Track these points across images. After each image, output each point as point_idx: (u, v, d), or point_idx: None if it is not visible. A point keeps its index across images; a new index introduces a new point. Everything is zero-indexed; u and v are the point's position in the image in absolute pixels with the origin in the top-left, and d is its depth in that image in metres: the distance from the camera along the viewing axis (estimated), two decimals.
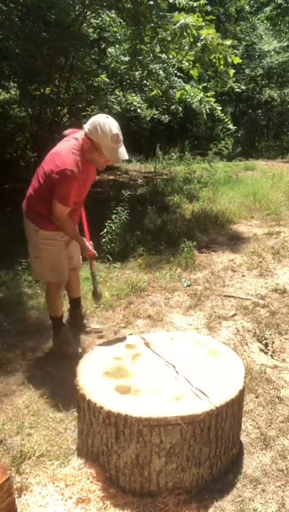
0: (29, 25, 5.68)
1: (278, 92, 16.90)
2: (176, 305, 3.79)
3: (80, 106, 7.57)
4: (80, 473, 1.92)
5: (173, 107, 7.91)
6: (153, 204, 6.63)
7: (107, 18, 6.72)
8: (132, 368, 2.17)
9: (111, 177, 9.83)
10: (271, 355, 3.04)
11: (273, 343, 3.17)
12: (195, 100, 7.82)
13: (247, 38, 16.63)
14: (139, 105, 7.68)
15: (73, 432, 2.25)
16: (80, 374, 2.09)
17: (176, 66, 7.29)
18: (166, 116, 8.37)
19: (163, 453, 1.84)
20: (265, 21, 17.29)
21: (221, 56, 5.21)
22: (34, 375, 2.76)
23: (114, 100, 7.16)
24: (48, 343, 3.10)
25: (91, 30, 6.84)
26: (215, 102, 7.88)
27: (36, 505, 1.78)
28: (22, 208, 2.82)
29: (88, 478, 1.89)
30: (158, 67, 6.86)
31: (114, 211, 5.01)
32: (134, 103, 7.63)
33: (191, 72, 6.26)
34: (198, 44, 4.97)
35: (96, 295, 3.23)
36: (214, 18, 5.15)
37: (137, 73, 7.12)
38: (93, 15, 6.58)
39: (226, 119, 8.34)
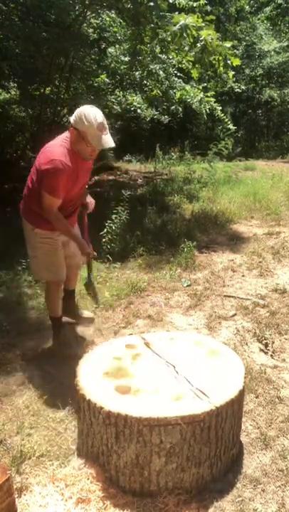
0: (29, 25, 5.68)
1: (278, 92, 16.90)
2: (176, 305, 3.79)
3: (80, 106, 7.56)
4: (80, 473, 1.92)
5: (173, 107, 7.92)
6: (153, 204, 6.62)
7: (107, 18, 6.73)
8: (132, 368, 2.17)
9: (111, 177, 9.82)
10: (271, 355, 3.04)
11: (273, 343, 3.17)
12: (195, 100, 7.83)
13: (247, 38, 16.63)
14: (139, 105, 7.68)
15: (73, 432, 2.25)
16: (80, 374, 2.09)
17: (176, 66, 7.29)
18: (166, 116, 8.37)
19: (163, 453, 1.84)
20: (265, 21, 17.29)
21: (220, 58, 5.22)
22: (34, 375, 2.76)
23: (114, 100, 7.17)
24: (48, 343, 3.09)
25: (91, 30, 6.84)
26: (215, 102, 7.88)
27: (36, 505, 1.78)
28: (20, 208, 2.82)
29: (88, 479, 1.89)
30: (158, 68, 6.86)
31: (114, 211, 5.00)
32: (134, 103, 7.64)
33: (192, 71, 6.26)
34: (198, 45, 4.97)
35: (95, 298, 3.22)
36: (214, 18, 5.15)
37: (137, 73, 7.12)
38: (93, 15, 6.59)
39: (226, 119, 8.35)
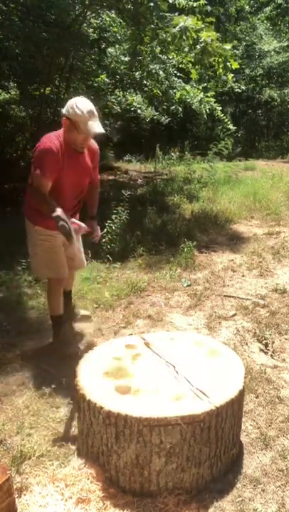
0: (29, 25, 5.69)
1: (278, 92, 16.92)
2: (176, 305, 3.79)
3: None
4: (80, 473, 1.92)
5: (173, 107, 7.92)
6: (153, 204, 6.62)
7: (107, 18, 6.73)
8: (132, 368, 2.17)
9: (111, 177, 9.83)
10: (271, 355, 3.04)
11: (273, 343, 3.17)
12: (195, 100, 7.84)
13: (247, 38, 16.65)
14: (139, 106, 7.68)
15: (73, 432, 2.25)
16: (80, 374, 2.09)
17: (176, 66, 7.30)
18: (165, 117, 8.37)
19: (163, 453, 1.84)
20: (265, 21, 17.30)
21: (220, 60, 5.23)
22: (34, 375, 2.76)
23: (114, 100, 7.17)
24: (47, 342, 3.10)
25: (91, 30, 6.85)
26: (215, 102, 7.89)
27: (36, 505, 1.78)
28: (23, 207, 2.87)
29: (88, 479, 1.89)
30: (158, 68, 6.87)
31: (114, 211, 5.01)
32: (134, 103, 7.64)
33: (191, 71, 6.27)
34: (198, 46, 4.99)
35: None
36: (214, 20, 5.16)
37: (137, 73, 7.13)
38: (93, 15, 6.59)
39: (226, 119, 8.36)
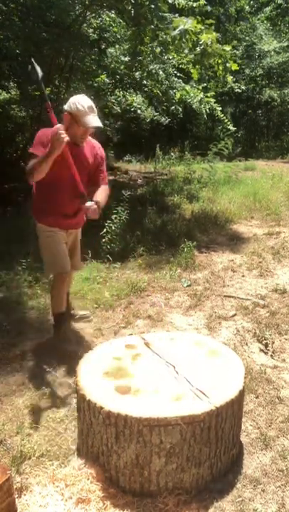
0: (29, 25, 5.68)
1: (278, 92, 16.92)
2: (176, 305, 3.79)
3: None
4: (80, 473, 1.92)
5: (173, 107, 7.92)
6: (153, 204, 6.62)
7: (107, 19, 6.73)
8: (132, 368, 2.17)
9: (111, 177, 9.82)
10: (271, 356, 3.04)
11: (273, 343, 3.17)
12: (195, 100, 7.83)
13: (247, 38, 16.64)
14: (139, 106, 7.68)
15: (73, 432, 2.25)
16: (80, 374, 2.09)
17: (176, 66, 7.30)
18: (166, 117, 8.37)
19: (163, 453, 1.84)
20: (265, 21, 17.29)
21: (220, 61, 5.25)
22: (34, 375, 2.76)
23: (114, 100, 7.17)
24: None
25: (91, 30, 6.84)
26: (215, 103, 7.89)
27: (36, 505, 1.78)
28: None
29: (88, 479, 1.89)
30: (158, 68, 6.87)
31: (114, 211, 5.00)
32: (134, 104, 7.63)
33: (192, 71, 6.27)
34: (198, 49, 5.01)
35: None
36: (214, 22, 5.17)
37: (137, 73, 7.13)
38: (93, 15, 6.59)
39: (226, 120, 8.35)
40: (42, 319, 3.44)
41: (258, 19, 17.34)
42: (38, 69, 2.68)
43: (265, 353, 3.06)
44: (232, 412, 1.98)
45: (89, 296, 3.80)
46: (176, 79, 7.60)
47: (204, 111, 7.96)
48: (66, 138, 2.53)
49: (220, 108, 7.84)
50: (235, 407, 2.00)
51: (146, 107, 8.41)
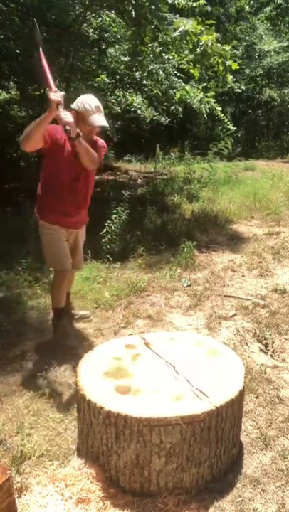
0: (29, 25, 5.68)
1: (278, 92, 16.92)
2: (176, 305, 3.79)
3: None
4: (80, 473, 1.92)
5: (173, 107, 7.91)
6: (153, 204, 6.62)
7: (107, 19, 6.73)
8: (132, 368, 2.17)
9: (111, 177, 9.84)
10: (271, 355, 3.04)
11: (273, 343, 3.17)
12: (195, 100, 7.83)
13: (247, 38, 16.64)
14: (139, 106, 7.67)
15: (73, 432, 2.25)
16: (80, 374, 2.09)
17: (176, 66, 7.29)
18: (166, 117, 8.36)
19: (163, 453, 1.84)
20: (265, 21, 17.29)
21: (220, 61, 5.26)
22: (34, 375, 2.76)
23: (114, 100, 7.17)
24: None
25: (91, 30, 6.84)
26: (215, 102, 7.88)
27: (36, 505, 1.78)
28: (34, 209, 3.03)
29: (88, 479, 1.89)
30: (158, 67, 6.86)
31: (114, 211, 5.01)
32: (134, 104, 7.62)
33: (192, 71, 6.27)
34: (198, 50, 5.02)
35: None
36: (214, 22, 5.17)
37: (137, 73, 7.12)
38: (93, 15, 6.59)
39: (226, 119, 8.35)
40: (42, 319, 3.44)
41: (258, 19, 17.34)
42: (38, 33, 2.80)
43: (265, 353, 3.06)
44: (232, 411, 1.98)
45: (89, 296, 3.80)
46: (176, 79, 7.60)
47: (204, 111, 7.96)
48: (61, 96, 2.60)
49: (220, 108, 7.84)
50: (235, 406, 2.00)
51: (146, 107, 8.41)
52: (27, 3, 5.63)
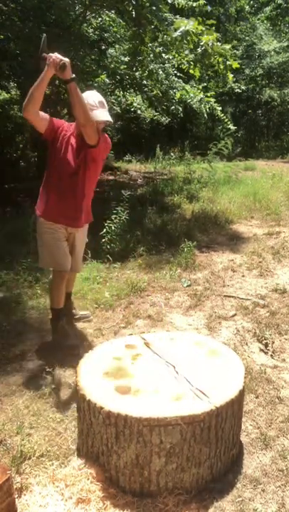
0: (29, 25, 5.68)
1: (278, 92, 16.93)
2: (176, 305, 3.79)
3: None
4: (80, 473, 1.92)
5: (173, 107, 7.92)
6: (153, 204, 6.63)
7: (107, 19, 6.73)
8: (132, 368, 2.17)
9: (111, 177, 9.84)
10: (271, 355, 3.04)
11: (273, 343, 3.17)
12: (195, 100, 7.83)
13: (247, 38, 16.66)
14: (139, 106, 7.67)
15: (73, 432, 2.25)
16: (80, 374, 2.09)
17: (176, 66, 7.30)
18: (165, 117, 8.35)
19: (163, 453, 1.84)
20: (265, 21, 17.29)
21: (220, 60, 5.26)
22: (34, 375, 2.76)
23: (114, 100, 7.16)
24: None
25: (91, 30, 6.84)
26: (215, 102, 7.89)
27: (36, 505, 1.78)
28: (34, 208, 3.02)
29: (88, 479, 1.89)
30: (158, 67, 6.87)
31: (114, 211, 5.00)
32: (134, 104, 7.62)
33: (191, 71, 6.27)
34: (199, 50, 5.03)
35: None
36: (214, 22, 5.17)
37: (137, 73, 7.13)
38: (93, 15, 6.59)
39: (226, 119, 8.35)
40: (42, 319, 3.44)
41: (258, 19, 17.35)
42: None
43: (265, 353, 3.06)
44: (232, 412, 1.98)
45: (89, 296, 3.80)
46: (176, 79, 7.60)
47: (204, 111, 7.96)
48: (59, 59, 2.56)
49: (220, 108, 7.84)
50: (235, 407, 2.00)
51: (146, 107, 8.41)
52: (27, 4, 5.63)
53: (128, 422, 1.81)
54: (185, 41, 4.86)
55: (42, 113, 2.76)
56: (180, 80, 7.74)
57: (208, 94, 7.98)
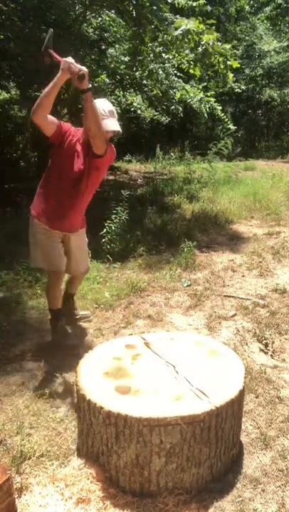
0: (29, 25, 5.68)
1: (278, 92, 16.93)
2: (176, 305, 3.79)
3: (79, 106, 7.59)
4: (80, 473, 1.92)
5: (173, 107, 7.91)
6: (153, 204, 6.63)
7: (107, 19, 6.73)
8: (132, 368, 2.17)
9: (111, 177, 9.83)
10: (271, 355, 3.04)
11: (273, 343, 3.17)
12: (195, 100, 7.83)
13: (247, 38, 16.66)
14: (139, 106, 7.67)
15: (73, 432, 2.26)
16: (80, 374, 2.09)
17: (176, 66, 7.29)
18: (165, 117, 8.35)
19: (163, 453, 1.84)
20: (265, 21, 17.29)
21: (220, 59, 5.26)
22: (34, 375, 2.76)
23: (114, 100, 7.16)
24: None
25: (91, 30, 6.84)
26: (215, 102, 7.88)
27: (36, 505, 1.78)
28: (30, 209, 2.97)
29: (88, 479, 1.89)
30: (158, 67, 6.87)
31: (114, 211, 5.00)
32: (134, 104, 7.61)
33: (191, 71, 6.27)
34: (199, 49, 5.03)
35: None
36: (215, 22, 5.17)
37: (137, 73, 7.12)
38: (93, 15, 6.59)
39: (226, 119, 8.35)
40: (42, 319, 3.44)
41: (258, 19, 17.35)
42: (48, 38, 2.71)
43: (265, 353, 3.06)
44: (232, 411, 1.98)
45: (89, 296, 3.80)
46: (176, 78, 7.60)
47: (204, 110, 7.96)
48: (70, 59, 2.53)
49: (220, 107, 7.84)
50: (235, 406, 2.00)
51: (146, 107, 8.41)
52: (27, 4, 5.63)
53: (128, 422, 1.81)
54: (186, 40, 4.85)
55: (50, 116, 2.72)
56: (180, 80, 7.74)
57: (208, 94, 7.98)
